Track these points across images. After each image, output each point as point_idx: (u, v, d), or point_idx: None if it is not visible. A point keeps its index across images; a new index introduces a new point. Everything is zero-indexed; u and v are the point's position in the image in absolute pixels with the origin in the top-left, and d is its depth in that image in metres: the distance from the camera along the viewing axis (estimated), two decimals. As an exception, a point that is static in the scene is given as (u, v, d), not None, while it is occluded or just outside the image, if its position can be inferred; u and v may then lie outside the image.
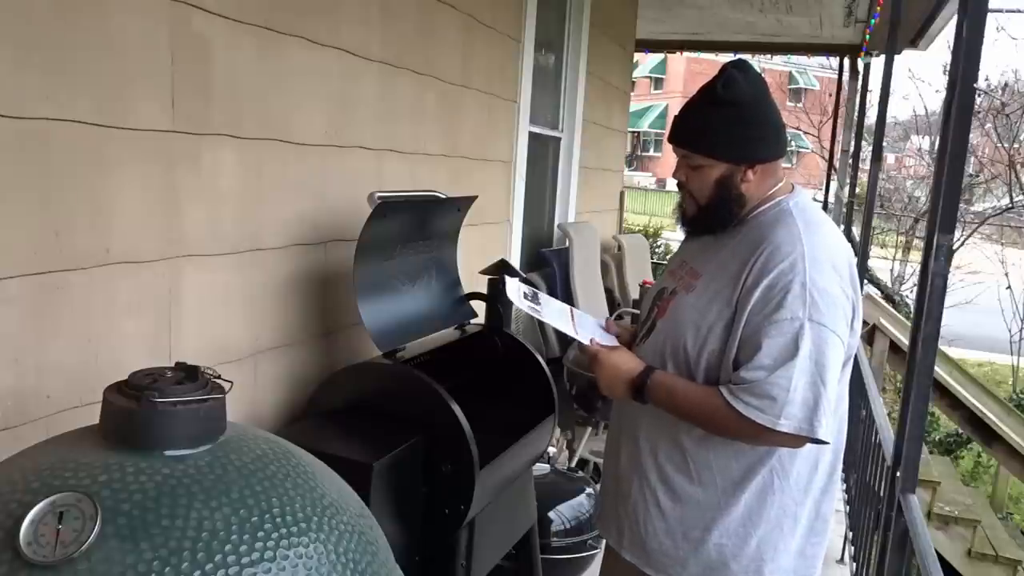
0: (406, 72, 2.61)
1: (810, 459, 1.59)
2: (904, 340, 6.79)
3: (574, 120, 4.57)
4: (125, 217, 1.61)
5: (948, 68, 2.47)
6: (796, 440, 1.48)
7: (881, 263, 12.61)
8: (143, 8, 1.61)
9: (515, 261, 3.75)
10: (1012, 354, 10.90)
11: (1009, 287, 10.98)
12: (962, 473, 8.22)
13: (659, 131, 36.05)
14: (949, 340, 9.01)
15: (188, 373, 1.12)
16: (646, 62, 32.61)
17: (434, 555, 1.97)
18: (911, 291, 11.06)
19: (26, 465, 1.04)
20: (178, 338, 1.78)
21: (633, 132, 34.31)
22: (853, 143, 6.90)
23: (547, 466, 3.01)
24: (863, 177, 6.70)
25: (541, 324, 3.79)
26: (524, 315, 3.60)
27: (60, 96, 1.45)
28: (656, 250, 9.69)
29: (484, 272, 2.45)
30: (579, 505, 2.83)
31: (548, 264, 4.25)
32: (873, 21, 5.93)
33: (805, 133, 17.16)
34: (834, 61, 9.31)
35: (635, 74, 13.09)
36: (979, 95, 10.04)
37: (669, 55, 18.39)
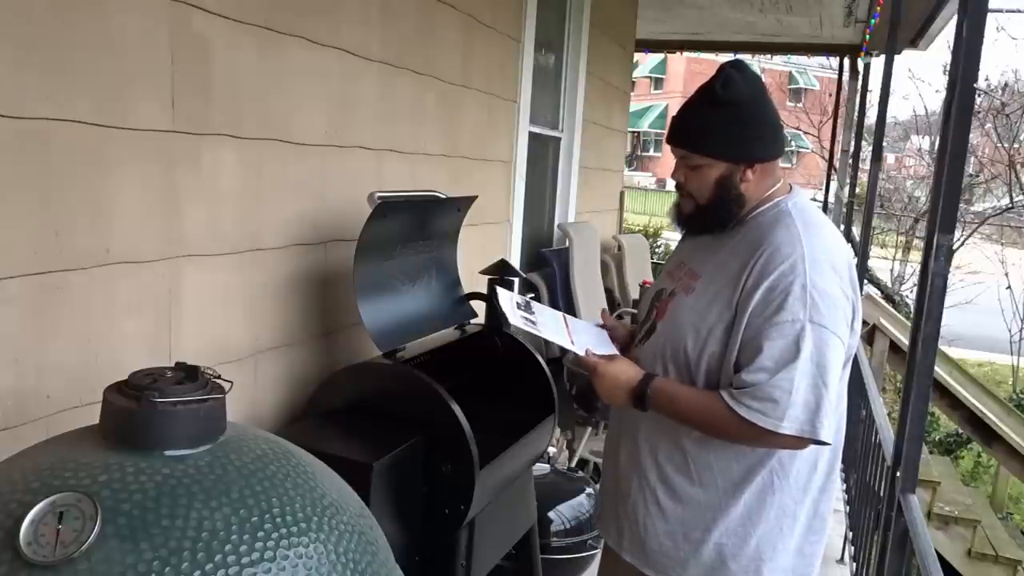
0: (406, 72, 2.61)
1: (809, 459, 1.59)
2: (904, 340, 6.79)
3: (574, 120, 4.57)
4: (125, 217, 1.61)
5: (948, 68, 2.47)
6: (798, 442, 1.48)
7: (881, 263, 12.61)
8: (143, 8, 1.61)
9: (515, 261, 3.75)
10: (1012, 354, 10.90)
11: (1009, 287, 10.98)
12: (962, 473, 8.22)
13: (659, 131, 36.03)
14: (949, 340, 9.01)
15: (188, 373, 1.12)
16: (646, 62, 32.61)
17: (434, 555, 1.96)
18: (911, 291, 11.06)
19: (26, 465, 1.04)
20: (178, 338, 1.78)
21: (633, 132, 34.31)
22: (853, 143, 6.90)
23: (547, 466, 3.01)
24: (863, 177, 6.70)
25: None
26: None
27: (60, 96, 1.45)
28: (656, 250, 9.69)
29: (484, 272, 2.45)
30: (579, 505, 2.83)
31: (548, 264, 4.25)
32: (873, 21, 5.93)
33: (805, 133, 17.16)
34: (834, 61, 9.31)
35: (635, 74, 13.09)
36: (979, 95, 10.04)
37: (669, 55, 18.40)
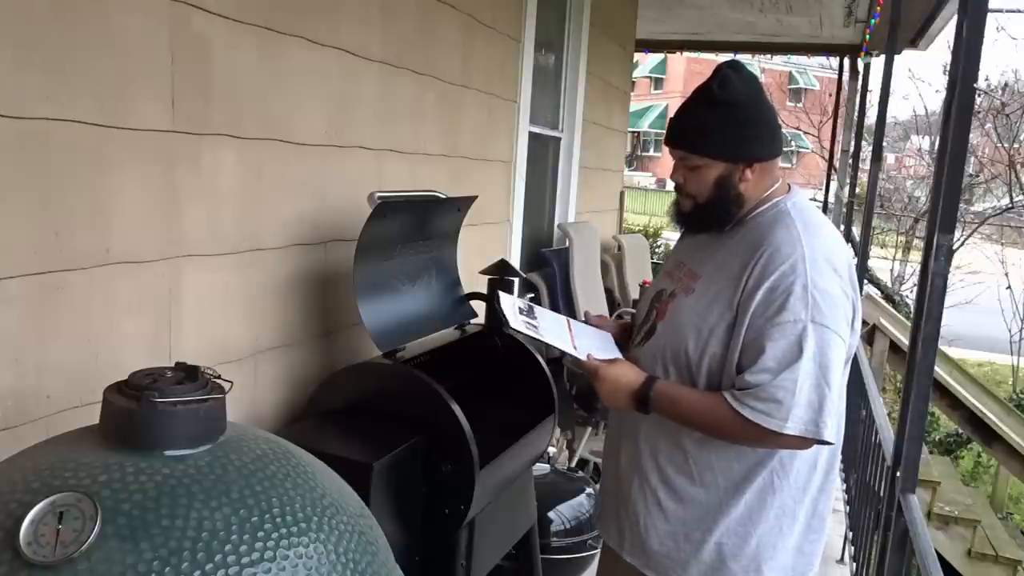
0: (406, 72, 2.61)
1: (809, 459, 1.59)
2: (904, 340, 6.79)
3: (574, 120, 4.57)
4: (125, 217, 1.61)
5: (948, 68, 2.47)
6: (802, 442, 1.48)
7: (881, 263, 12.61)
8: (143, 8, 1.61)
9: (515, 261, 3.75)
10: (1012, 354, 10.90)
11: (1009, 287, 10.99)
12: (962, 473, 8.22)
13: (659, 131, 36.00)
14: (949, 340, 9.01)
15: (188, 373, 1.12)
16: (646, 62, 32.61)
17: (434, 555, 1.96)
18: (911, 291, 11.06)
19: (26, 465, 1.04)
20: (178, 338, 1.78)
21: (633, 132, 34.31)
22: (853, 143, 6.90)
23: (547, 466, 3.01)
24: (863, 177, 6.70)
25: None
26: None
27: (60, 96, 1.45)
28: (656, 250, 9.69)
29: (484, 272, 2.45)
30: (579, 505, 2.83)
31: (548, 264, 4.25)
32: (873, 21, 5.93)
33: (805, 133, 17.16)
34: (834, 61, 9.31)
35: (635, 74, 13.09)
36: (979, 95, 10.04)
37: (669, 55, 18.40)
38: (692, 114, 1.63)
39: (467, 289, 2.53)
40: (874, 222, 7.71)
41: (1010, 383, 10.75)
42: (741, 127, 1.59)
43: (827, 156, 10.49)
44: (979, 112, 11.68)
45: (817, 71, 25.90)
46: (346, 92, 2.31)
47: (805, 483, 1.60)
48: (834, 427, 1.47)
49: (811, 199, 1.74)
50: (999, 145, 12.38)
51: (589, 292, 4.42)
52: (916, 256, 11.84)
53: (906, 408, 2.28)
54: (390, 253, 2.15)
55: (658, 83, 37.63)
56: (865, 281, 7.58)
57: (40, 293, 1.46)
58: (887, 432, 2.78)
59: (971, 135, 2.85)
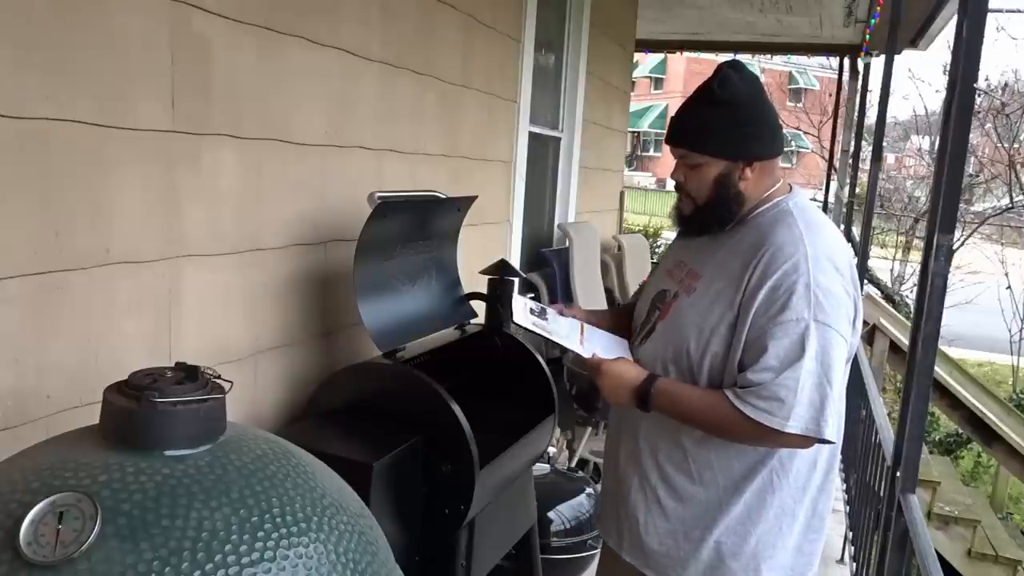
0: (406, 72, 2.61)
1: (809, 458, 1.59)
2: (904, 340, 6.79)
3: (574, 120, 4.57)
4: (125, 217, 1.61)
5: (948, 68, 2.47)
6: (804, 441, 1.48)
7: (881, 263, 12.61)
8: (143, 8, 1.61)
9: (515, 261, 3.75)
10: (1012, 354, 10.90)
11: (1009, 287, 10.99)
12: (962, 473, 8.22)
13: (659, 131, 36.01)
14: (949, 340, 9.01)
15: (188, 373, 1.12)
16: (646, 62, 32.62)
17: (434, 555, 1.96)
18: (911, 291, 11.06)
19: (26, 465, 1.04)
20: (178, 338, 1.78)
21: (633, 132, 34.31)
22: (853, 143, 6.90)
23: (547, 466, 3.01)
24: (863, 177, 6.70)
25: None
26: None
27: (60, 96, 1.45)
28: (656, 250, 9.69)
29: (484, 272, 2.45)
30: (579, 505, 2.83)
31: (548, 264, 4.25)
32: (873, 21, 5.94)
33: (805, 133, 17.16)
34: (834, 61, 9.31)
35: (635, 74, 13.09)
36: (979, 95, 10.04)
37: (669, 55, 18.40)
38: (693, 113, 1.63)
39: (467, 289, 2.53)
40: (874, 222, 7.71)
41: (1010, 383, 10.74)
42: (741, 126, 1.59)
43: (827, 156, 10.49)
44: (979, 112, 11.68)
45: (817, 71, 25.90)
46: (346, 92, 2.31)
47: (805, 483, 1.61)
48: (835, 426, 1.47)
49: (811, 199, 1.74)
50: (999, 145, 12.38)
51: (589, 292, 4.42)
52: (916, 256, 11.84)
53: (906, 408, 2.28)
54: (390, 253, 2.15)
55: (658, 83, 37.63)
56: (865, 281, 7.57)
57: (40, 293, 1.46)
58: (887, 432, 2.78)
59: (971, 135, 2.85)
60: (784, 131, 1.72)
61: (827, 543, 1.74)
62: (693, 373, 1.58)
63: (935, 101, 16.07)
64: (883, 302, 9.00)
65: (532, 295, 3.75)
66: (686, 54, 12.50)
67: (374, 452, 1.76)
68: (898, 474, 2.26)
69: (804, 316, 1.46)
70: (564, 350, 1.71)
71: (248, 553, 0.95)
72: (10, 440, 1.38)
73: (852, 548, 3.36)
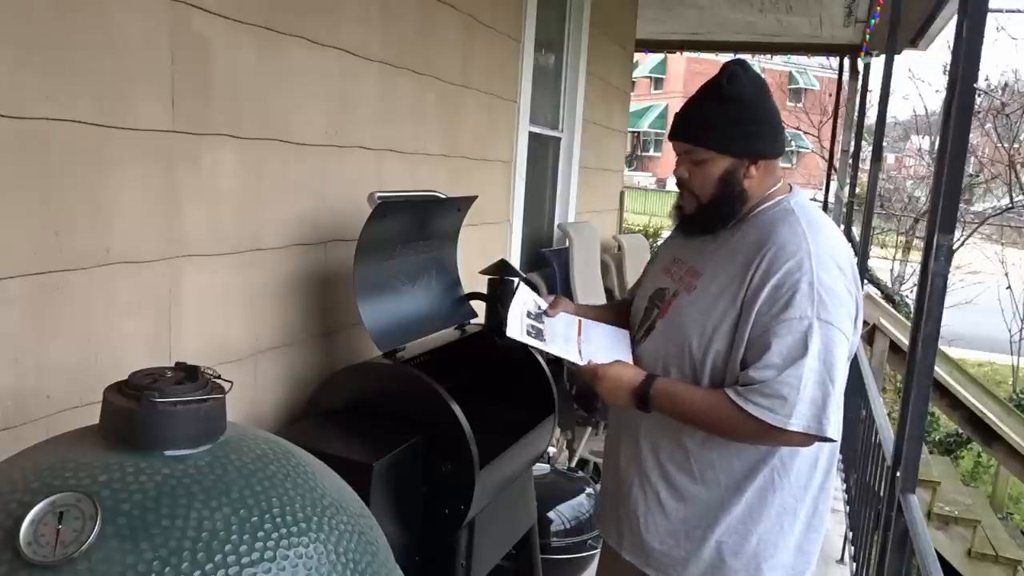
0: (406, 72, 2.61)
1: (810, 457, 1.59)
2: (904, 340, 6.79)
3: (574, 120, 4.57)
4: (125, 217, 1.61)
5: (948, 68, 2.47)
6: (805, 439, 1.48)
7: (881, 263, 12.61)
8: (143, 8, 1.61)
9: (515, 261, 3.75)
10: (1012, 354, 10.90)
11: (1009, 287, 10.99)
12: (962, 473, 8.22)
13: (659, 131, 36.04)
14: (949, 340, 9.00)
15: (188, 373, 1.12)
16: (646, 62, 32.62)
17: (434, 555, 1.96)
18: (911, 291, 11.06)
19: (26, 465, 1.04)
20: (178, 338, 1.78)
21: (633, 132, 34.31)
22: (853, 143, 6.90)
23: (547, 466, 3.01)
24: (863, 177, 6.70)
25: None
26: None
27: (60, 96, 1.45)
28: (656, 250, 9.68)
29: (484, 272, 2.44)
30: (579, 505, 2.83)
31: (548, 264, 4.25)
32: (873, 21, 5.94)
33: (805, 133, 17.16)
34: (834, 61, 9.32)
35: (635, 74, 13.09)
36: (979, 95, 10.04)
37: (669, 55, 18.40)
38: (700, 108, 1.62)
39: (467, 289, 2.53)
40: (874, 222, 7.71)
41: (1010, 383, 10.74)
42: (747, 123, 1.59)
43: (827, 156, 10.49)
44: (979, 112, 11.68)
45: (817, 71, 25.91)
46: (346, 92, 2.31)
47: (806, 482, 1.61)
48: (837, 424, 1.48)
49: (811, 199, 1.74)
50: (999, 145, 12.38)
51: (589, 292, 4.42)
52: (916, 256, 11.84)
53: (906, 408, 2.28)
54: (390, 253, 2.15)
55: (658, 83, 37.63)
56: (865, 281, 7.58)
57: (40, 293, 1.46)
58: (887, 432, 2.78)
59: (971, 135, 2.85)
60: (784, 131, 1.72)
61: (827, 543, 1.74)
62: (696, 372, 1.57)
63: (935, 101, 16.09)
64: (883, 302, 9.00)
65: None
66: (686, 54, 12.50)
67: (374, 452, 1.76)
68: (898, 474, 2.26)
69: (807, 314, 1.46)
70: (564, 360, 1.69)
71: (248, 553, 0.95)
72: (10, 440, 1.38)
73: (852, 548, 3.36)
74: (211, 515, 0.96)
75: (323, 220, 2.24)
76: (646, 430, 1.66)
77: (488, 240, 3.42)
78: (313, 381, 2.16)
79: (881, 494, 2.62)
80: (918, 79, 25.24)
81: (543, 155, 4.35)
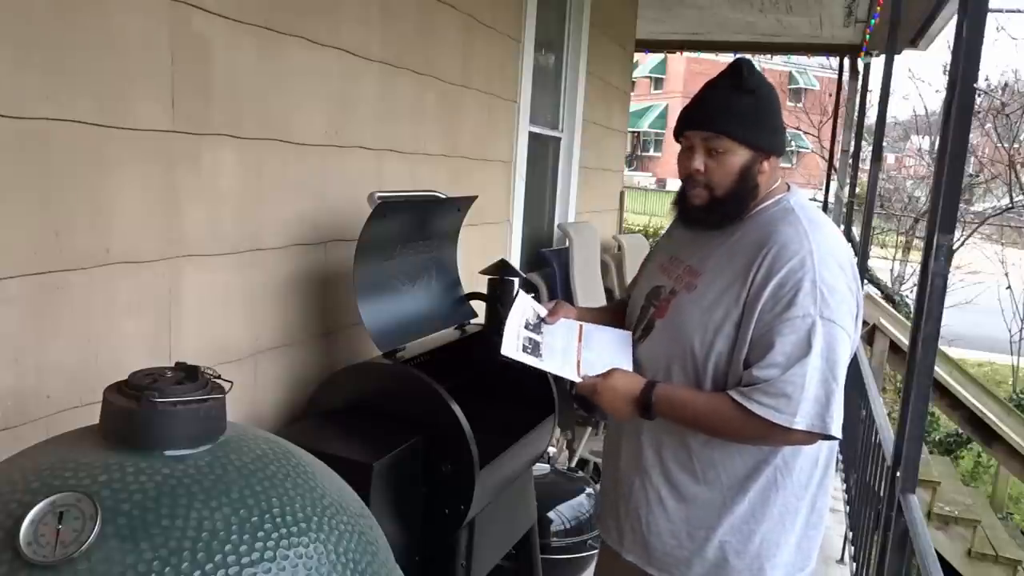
0: (406, 72, 2.61)
1: (811, 455, 1.60)
2: (904, 340, 6.79)
3: (574, 120, 4.57)
4: (125, 217, 1.61)
5: (948, 68, 2.47)
6: (809, 437, 1.48)
7: (881, 263, 12.61)
8: (143, 8, 1.61)
9: (515, 261, 3.75)
10: (1012, 354, 10.90)
11: (1009, 287, 10.99)
12: (962, 473, 8.22)
13: (659, 131, 36.04)
14: (949, 340, 9.01)
15: (188, 373, 1.12)
16: (646, 62, 32.60)
17: (434, 555, 1.96)
18: (911, 291, 11.05)
19: (26, 465, 1.04)
20: (178, 338, 1.78)
21: (633, 132, 34.31)
22: (853, 143, 6.90)
23: (547, 466, 3.01)
24: (863, 177, 6.70)
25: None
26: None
27: (60, 96, 1.45)
28: (652, 247, 9.68)
29: (484, 272, 2.45)
30: (579, 505, 2.83)
31: (548, 264, 4.25)
32: (873, 21, 5.94)
33: (805, 133, 17.15)
34: (834, 61, 9.31)
35: (635, 74, 13.09)
36: (979, 95, 10.04)
37: (669, 55, 18.39)
38: (721, 98, 1.58)
39: (467, 289, 2.53)
40: (874, 222, 7.71)
41: (1010, 383, 10.74)
42: (766, 117, 1.59)
43: (827, 156, 10.49)
44: (979, 112, 11.68)
45: (817, 71, 25.89)
46: (346, 92, 2.31)
47: (807, 480, 1.61)
48: (840, 423, 1.48)
49: (811, 199, 1.73)
50: (999, 145, 12.38)
51: (589, 292, 4.42)
52: (916, 256, 11.84)
53: (906, 408, 2.28)
54: (390, 253, 2.15)
55: (658, 83, 37.62)
56: (865, 281, 7.58)
57: (40, 293, 1.46)
58: (887, 432, 2.78)
59: (971, 135, 2.85)
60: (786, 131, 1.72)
61: (827, 543, 1.74)
62: (697, 372, 1.57)
63: (935, 101, 16.09)
64: (883, 302, 9.00)
65: (532, 295, 3.74)
66: (686, 54, 12.50)
67: (374, 452, 1.76)
68: (898, 474, 2.26)
69: (810, 312, 1.46)
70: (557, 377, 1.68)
71: (248, 553, 0.95)
72: (10, 440, 1.38)
73: (852, 548, 3.35)
74: (211, 515, 0.97)
75: (323, 220, 2.24)
76: (648, 429, 1.66)
77: (488, 240, 3.42)
78: (313, 381, 2.16)
79: (881, 494, 2.62)
80: (918, 79, 25.31)
81: (543, 155, 4.35)
